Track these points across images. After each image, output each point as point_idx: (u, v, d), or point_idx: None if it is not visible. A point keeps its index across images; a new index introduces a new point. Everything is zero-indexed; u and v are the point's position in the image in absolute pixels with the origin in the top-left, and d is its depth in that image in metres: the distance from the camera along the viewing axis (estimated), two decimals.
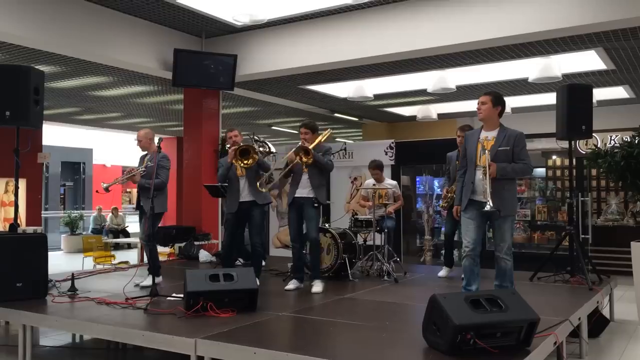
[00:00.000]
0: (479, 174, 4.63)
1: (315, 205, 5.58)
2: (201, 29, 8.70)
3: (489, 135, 4.73)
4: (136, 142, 6.08)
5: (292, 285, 5.65)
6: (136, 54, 8.18)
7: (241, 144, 5.73)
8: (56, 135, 16.84)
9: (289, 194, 5.73)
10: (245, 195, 5.77)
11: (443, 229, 7.21)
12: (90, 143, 20.18)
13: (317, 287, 5.52)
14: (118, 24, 7.85)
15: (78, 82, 10.02)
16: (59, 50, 7.72)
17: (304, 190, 5.59)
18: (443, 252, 6.86)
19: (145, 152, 6.08)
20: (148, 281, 5.64)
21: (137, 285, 5.74)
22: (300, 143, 5.60)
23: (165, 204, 5.92)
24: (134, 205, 5.96)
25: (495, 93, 4.85)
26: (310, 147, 5.47)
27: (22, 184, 11.68)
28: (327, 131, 6.04)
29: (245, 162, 5.62)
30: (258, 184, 5.68)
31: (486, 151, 4.62)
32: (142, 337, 3.95)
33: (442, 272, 6.49)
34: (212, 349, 3.58)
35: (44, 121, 5.84)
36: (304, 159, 5.45)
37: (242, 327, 4.00)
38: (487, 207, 4.48)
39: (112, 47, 7.84)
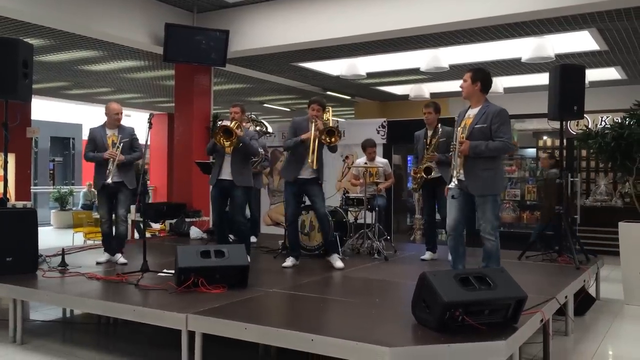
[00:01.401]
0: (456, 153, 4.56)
1: (320, 182, 5.67)
2: (193, 4, 8.59)
3: (470, 113, 4.61)
4: (121, 116, 5.84)
5: (289, 262, 5.63)
6: (126, 28, 8.07)
7: (228, 124, 5.64)
8: (45, 109, 16.65)
9: (288, 172, 5.65)
10: (225, 174, 5.71)
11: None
12: (80, 118, 19.98)
13: (338, 262, 5.58)
14: None
15: (67, 56, 9.90)
16: (49, 23, 7.60)
17: (308, 171, 5.57)
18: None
19: (100, 125, 5.88)
20: (104, 257, 5.75)
21: (98, 263, 5.68)
22: (315, 122, 5.50)
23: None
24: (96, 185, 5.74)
25: (475, 69, 4.66)
26: (326, 119, 5.48)
27: (11, 158, 11.58)
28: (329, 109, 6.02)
29: (224, 141, 5.55)
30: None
31: (459, 129, 4.56)
32: (133, 312, 3.97)
33: (426, 256, 6.18)
34: (203, 324, 3.61)
35: (32, 95, 5.76)
36: (327, 141, 5.42)
37: (233, 303, 4.01)
38: (452, 185, 4.50)
39: (102, 20, 7.73)
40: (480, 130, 4.44)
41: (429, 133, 6.02)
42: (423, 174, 5.90)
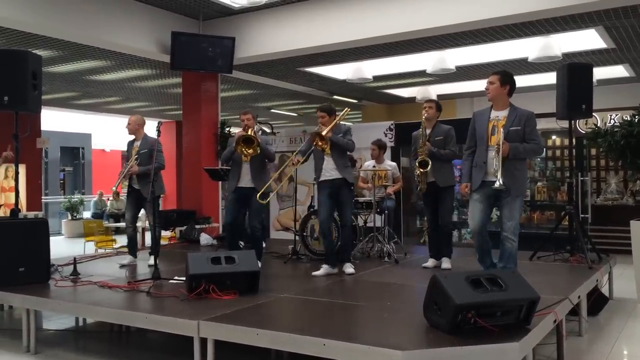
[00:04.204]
0: (491, 154, 4.59)
1: (352, 188, 5.57)
2: (199, 11, 8.63)
3: (499, 115, 4.68)
4: (128, 126, 6.20)
5: (322, 271, 5.47)
6: (134, 37, 8.13)
7: (248, 132, 5.65)
8: (55, 120, 16.76)
9: (316, 176, 5.59)
10: (245, 182, 5.74)
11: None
12: (89, 128, 20.10)
13: (349, 268, 5.50)
14: (115, 7, 7.79)
15: (76, 67, 9.97)
16: (56, 34, 7.67)
17: (333, 171, 5.48)
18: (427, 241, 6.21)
19: (133, 138, 6.23)
20: (127, 260, 6.21)
21: (121, 266, 6.12)
22: (317, 128, 5.53)
23: (163, 186, 6.26)
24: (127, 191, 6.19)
25: (503, 72, 4.76)
26: (325, 132, 5.38)
27: (22, 169, 11.63)
28: (344, 110, 5.95)
29: (246, 150, 5.57)
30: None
31: (497, 130, 4.61)
32: (145, 320, 3.98)
33: (428, 263, 5.87)
34: (215, 330, 3.61)
35: (42, 106, 5.82)
36: (320, 144, 5.37)
37: (245, 309, 4.02)
38: (497, 185, 4.47)
39: (110, 30, 7.78)
40: (516, 133, 4.60)
41: (428, 131, 5.75)
42: (419, 167, 5.63)
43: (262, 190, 5.65)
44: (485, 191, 4.65)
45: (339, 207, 5.64)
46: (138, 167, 5.97)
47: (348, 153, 5.65)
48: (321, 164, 5.53)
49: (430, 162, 5.59)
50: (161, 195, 6.31)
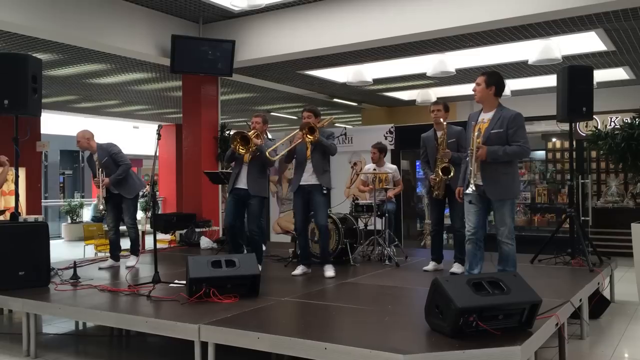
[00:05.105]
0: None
1: (324, 192, 5.59)
2: (198, 15, 8.64)
3: (485, 118, 4.60)
4: (78, 143, 6.21)
5: (299, 270, 5.64)
6: (134, 41, 8.13)
7: (246, 131, 5.70)
8: (55, 123, 16.74)
9: (294, 181, 5.69)
10: (241, 183, 5.77)
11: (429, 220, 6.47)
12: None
13: (330, 271, 5.53)
14: (115, 11, 7.79)
15: (76, 70, 9.97)
16: (57, 38, 7.67)
17: (310, 177, 5.57)
18: (430, 243, 6.22)
19: (89, 153, 6.28)
20: (107, 263, 6.28)
21: (100, 268, 6.18)
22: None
23: (141, 182, 6.37)
24: (102, 203, 6.16)
25: (489, 72, 4.66)
26: (318, 124, 5.45)
27: (22, 172, 11.60)
28: (328, 118, 5.99)
29: (240, 147, 5.60)
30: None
31: (475, 134, 4.53)
32: (145, 324, 3.97)
33: (429, 267, 5.83)
34: (215, 334, 3.60)
35: (42, 109, 5.81)
36: (309, 137, 5.41)
37: (245, 313, 4.01)
38: (469, 190, 4.47)
39: (110, 34, 7.79)
40: (497, 135, 4.46)
41: (439, 134, 5.65)
42: (442, 175, 5.51)
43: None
44: (475, 194, 4.56)
45: (313, 210, 5.69)
46: (108, 178, 6.04)
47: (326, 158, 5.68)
48: (301, 170, 5.60)
49: (453, 170, 5.45)
50: (140, 192, 6.43)
